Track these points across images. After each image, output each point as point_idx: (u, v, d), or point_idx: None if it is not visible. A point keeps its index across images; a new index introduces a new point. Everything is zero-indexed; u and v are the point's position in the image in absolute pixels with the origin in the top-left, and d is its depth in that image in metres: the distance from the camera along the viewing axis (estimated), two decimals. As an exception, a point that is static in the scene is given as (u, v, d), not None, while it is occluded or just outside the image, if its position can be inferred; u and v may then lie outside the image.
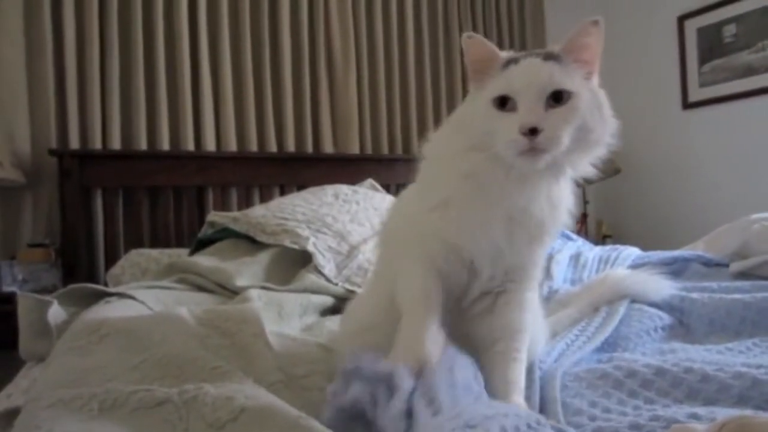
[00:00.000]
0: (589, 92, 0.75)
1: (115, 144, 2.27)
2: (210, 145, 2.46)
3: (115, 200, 2.24)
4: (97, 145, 2.25)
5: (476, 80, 0.79)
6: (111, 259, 2.13)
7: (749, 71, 2.88)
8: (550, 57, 0.75)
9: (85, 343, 0.94)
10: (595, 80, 0.79)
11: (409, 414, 0.61)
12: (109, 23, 2.27)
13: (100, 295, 1.30)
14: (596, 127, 0.75)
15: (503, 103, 0.74)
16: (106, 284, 1.83)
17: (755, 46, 2.85)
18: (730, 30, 2.95)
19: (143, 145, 2.33)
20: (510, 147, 0.71)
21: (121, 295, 1.28)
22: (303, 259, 1.66)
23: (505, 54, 0.78)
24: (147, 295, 1.30)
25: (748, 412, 0.67)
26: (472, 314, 0.85)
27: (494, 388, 0.78)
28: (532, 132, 0.69)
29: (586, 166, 0.80)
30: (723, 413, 0.66)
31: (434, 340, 0.74)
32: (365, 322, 0.92)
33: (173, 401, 0.67)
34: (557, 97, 0.72)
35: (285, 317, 1.34)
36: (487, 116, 0.75)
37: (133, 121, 2.32)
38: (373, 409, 0.62)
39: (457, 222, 0.79)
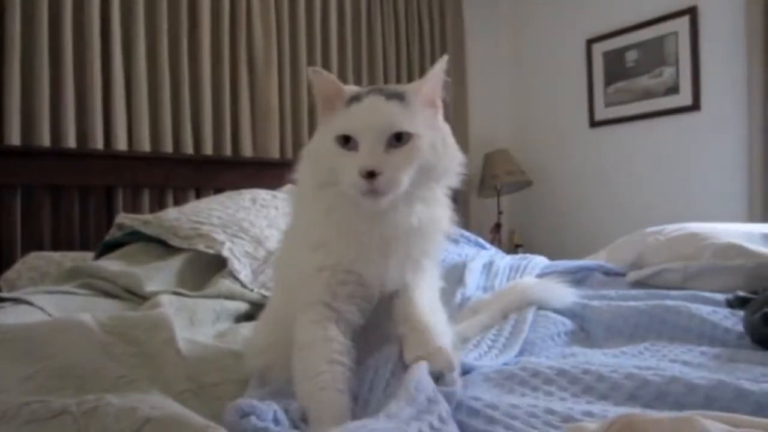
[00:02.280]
0: (433, 131, 0.78)
1: (15, 139, 2.11)
2: (121, 143, 2.34)
3: (12, 199, 2.08)
4: (-7, 139, 2.08)
5: (324, 114, 0.80)
6: (6, 263, 1.97)
7: (647, 94, 3.13)
8: (393, 96, 0.75)
9: (-28, 353, 0.87)
10: (440, 116, 0.82)
11: None
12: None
13: (-8, 301, 1.21)
14: (439, 163, 0.78)
15: (347, 140, 0.74)
16: (-1, 289, 1.69)
17: (653, 71, 3.10)
18: (632, 55, 3.19)
19: (46, 141, 2.17)
20: (352, 188, 0.72)
21: (17, 301, 1.21)
22: (218, 265, 1.62)
23: (349, 90, 0.79)
24: (46, 301, 1.23)
25: (636, 410, 0.72)
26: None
27: (414, 348, 0.76)
28: (371, 175, 0.70)
29: (437, 195, 0.82)
30: (615, 409, 0.71)
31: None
32: (263, 343, 0.91)
33: (71, 412, 0.64)
34: (399, 137, 0.74)
35: (197, 324, 1.30)
36: (331, 153, 0.75)
37: (35, 114, 2.16)
38: None
39: (338, 255, 0.78)
